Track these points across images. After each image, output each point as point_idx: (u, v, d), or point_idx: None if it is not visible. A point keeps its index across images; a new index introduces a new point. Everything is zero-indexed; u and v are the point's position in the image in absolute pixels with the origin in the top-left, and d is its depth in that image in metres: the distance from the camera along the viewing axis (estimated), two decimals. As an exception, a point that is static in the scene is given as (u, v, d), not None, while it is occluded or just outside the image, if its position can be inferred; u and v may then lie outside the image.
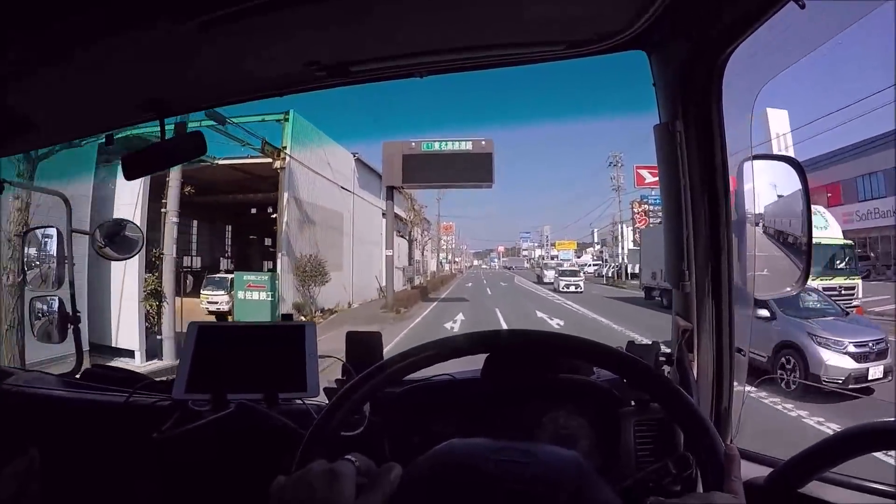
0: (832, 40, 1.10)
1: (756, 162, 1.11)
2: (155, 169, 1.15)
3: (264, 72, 1.05)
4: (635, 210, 32.52)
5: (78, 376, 1.36)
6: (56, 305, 1.52)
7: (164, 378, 1.13)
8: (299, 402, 1.00)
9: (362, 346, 1.04)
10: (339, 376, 1.05)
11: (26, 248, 1.60)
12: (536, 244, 72.15)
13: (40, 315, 1.57)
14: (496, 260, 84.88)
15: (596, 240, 51.50)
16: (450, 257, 51.70)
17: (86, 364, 1.46)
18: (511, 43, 0.98)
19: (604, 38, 0.97)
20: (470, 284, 32.55)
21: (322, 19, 0.85)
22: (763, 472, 0.76)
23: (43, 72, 0.93)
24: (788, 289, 1.14)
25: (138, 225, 1.54)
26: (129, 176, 1.11)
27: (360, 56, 0.98)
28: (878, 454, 0.55)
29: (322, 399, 1.01)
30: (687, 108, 0.99)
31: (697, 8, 0.87)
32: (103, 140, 1.30)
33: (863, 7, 1.02)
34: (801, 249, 1.08)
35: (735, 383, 1.03)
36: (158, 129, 1.08)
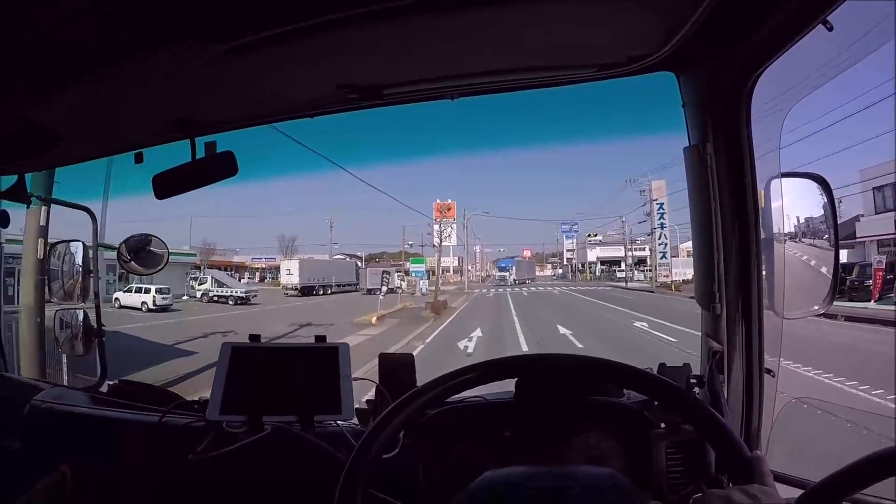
0: (860, 62, 1.10)
1: (784, 180, 1.11)
2: (185, 189, 1.12)
3: (297, 94, 1.06)
4: None
5: (104, 390, 1.37)
6: (81, 318, 1.54)
7: (196, 398, 1.13)
8: (332, 423, 1.00)
9: (396, 368, 1.04)
10: (370, 397, 1.05)
11: (52, 261, 1.62)
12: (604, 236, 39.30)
13: (66, 328, 1.59)
14: (523, 269, 46.20)
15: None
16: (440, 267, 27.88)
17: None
18: (543, 66, 0.98)
19: (634, 61, 0.98)
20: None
21: (355, 43, 0.86)
22: (794, 493, 0.76)
23: (73, 89, 0.93)
24: (816, 307, 1.14)
25: (163, 240, 1.54)
26: (160, 195, 1.11)
27: (393, 79, 0.99)
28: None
29: (354, 420, 1.02)
30: (717, 130, 0.99)
31: (726, 31, 0.88)
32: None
33: (890, 30, 1.02)
34: (829, 265, 1.08)
35: (765, 404, 1.03)
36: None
